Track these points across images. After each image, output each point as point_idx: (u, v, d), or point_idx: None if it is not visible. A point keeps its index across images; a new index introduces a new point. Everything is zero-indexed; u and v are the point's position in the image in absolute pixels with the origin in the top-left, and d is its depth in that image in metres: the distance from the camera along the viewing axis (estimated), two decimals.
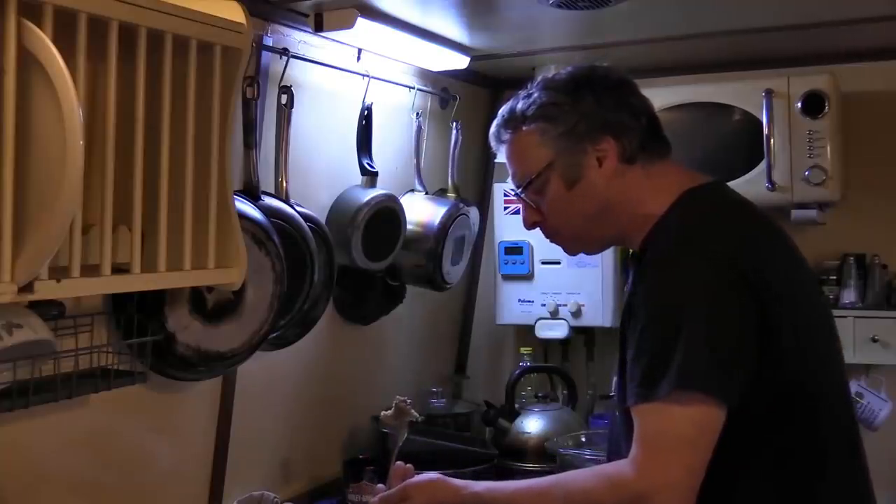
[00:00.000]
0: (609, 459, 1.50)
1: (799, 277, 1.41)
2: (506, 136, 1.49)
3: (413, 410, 1.72)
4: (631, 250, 1.53)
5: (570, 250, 1.57)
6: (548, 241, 1.55)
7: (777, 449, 1.30)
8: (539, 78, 1.48)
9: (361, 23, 1.94)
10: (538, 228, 1.52)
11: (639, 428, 1.26)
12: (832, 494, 1.34)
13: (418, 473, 1.55)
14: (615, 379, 1.52)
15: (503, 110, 1.50)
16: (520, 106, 1.46)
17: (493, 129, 1.51)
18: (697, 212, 1.38)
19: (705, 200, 1.41)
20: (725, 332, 1.26)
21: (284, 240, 1.88)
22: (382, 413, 1.75)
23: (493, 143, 1.53)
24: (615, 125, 1.42)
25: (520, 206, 1.52)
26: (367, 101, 2.24)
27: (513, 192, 1.51)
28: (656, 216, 1.39)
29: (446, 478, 1.48)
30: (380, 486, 1.56)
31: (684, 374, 1.22)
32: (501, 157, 1.53)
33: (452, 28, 2.20)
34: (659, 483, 1.22)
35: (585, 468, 1.54)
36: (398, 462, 1.59)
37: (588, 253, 1.58)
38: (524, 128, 1.45)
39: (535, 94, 1.45)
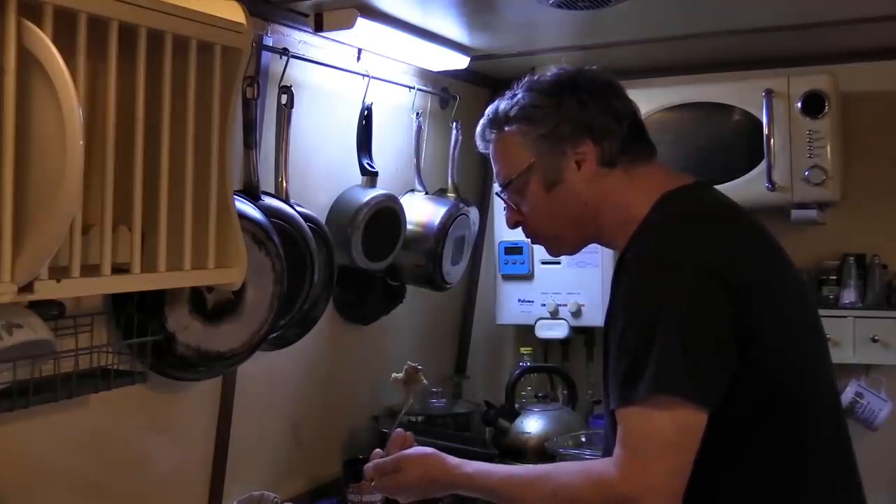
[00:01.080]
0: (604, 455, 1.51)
1: (782, 278, 1.40)
2: (490, 136, 1.50)
3: (424, 379, 1.72)
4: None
5: (551, 251, 1.57)
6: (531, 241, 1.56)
7: (759, 450, 1.30)
8: (525, 79, 1.49)
9: (361, 23, 1.94)
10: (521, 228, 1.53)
11: (621, 430, 1.26)
12: (815, 494, 1.33)
13: (417, 442, 1.56)
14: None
15: (489, 110, 1.51)
16: (503, 106, 1.47)
17: (478, 128, 1.53)
18: (673, 214, 1.38)
19: (682, 202, 1.40)
20: (702, 335, 1.26)
21: (284, 240, 1.88)
22: (393, 375, 1.75)
23: (478, 142, 1.54)
24: (596, 129, 1.42)
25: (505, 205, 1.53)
26: (367, 101, 2.24)
27: (496, 192, 1.51)
28: (637, 219, 1.39)
29: (441, 454, 1.49)
30: (377, 451, 1.56)
31: (659, 378, 1.22)
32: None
33: (452, 28, 2.20)
34: (643, 486, 1.22)
35: (576, 462, 1.54)
36: (398, 429, 1.60)
37: (568, 253, 1.58)
38: (506, 128, 1.46)
39: (519, 95, 1.46)
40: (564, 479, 1.35)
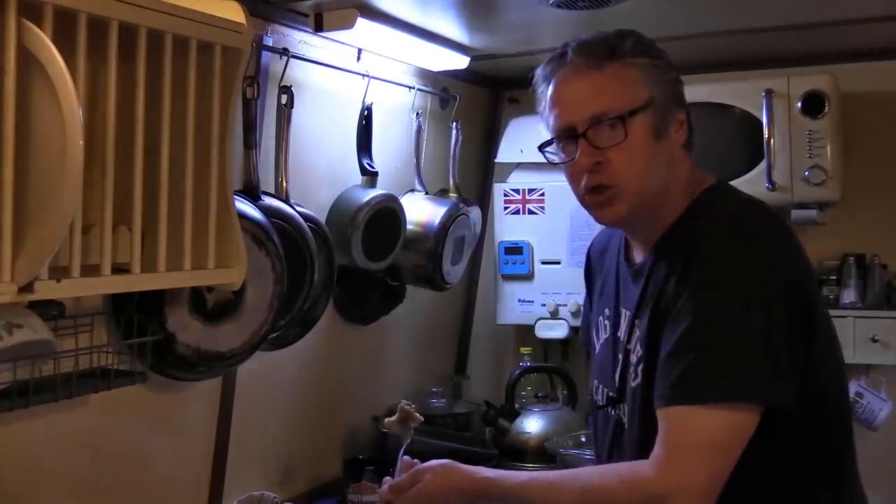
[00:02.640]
0: (598, 463, 1.49)
1: (815, 278, 1.40)
2: (606, 64, 1.34)
3: (417, 414, 1.72)
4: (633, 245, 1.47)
5: (606, 211, 1.37)
6: (583, 200, 1.38)
7: (807, 451, 1.30)
8: (618, 32, 1.37)
9: (361, 23, 1.94)
10: (588, 179, 1.35)
11: (670, 429, 1.24)
12: (853, 492, 1.35)
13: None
14: (597, 386, 1.49)
15: (594, 38, 1.36)
16: (629, 41, 1.35)
17: (578, 56, 1.35)
18: (743, 213, 1.34)
19: (737, 201, 1.37)
20: (782, 343, 1.23)
21: (284, 240, 1.88)
22: (386, 420, 1.74)
23: (579, 68, 1.34)
24: (687, 106, 1.40)
25: (576, 147, 1.34)
26: (367, 101, 2.24)
27: (582, 127, 1.33)
28: (675, 213, 1.36)
29: (457, 463, 1.46)
30: (387, 478, 1.54)
31: (745, 385, 1.21)
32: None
33: (452, 28, 2.20)
34: (679, 486, 1.21)
35: (601, 465, 1.51)
36: (405, 457, 1.57)
37: (617, 220, 1.40)
38: (630, 59, 1.34)
39: (635, 38, 1.37)
40: (592, 480, 1.33)
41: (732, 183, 1.49)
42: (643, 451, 1.28)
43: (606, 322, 1.49)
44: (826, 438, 1.32)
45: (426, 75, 2.50)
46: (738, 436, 1.22)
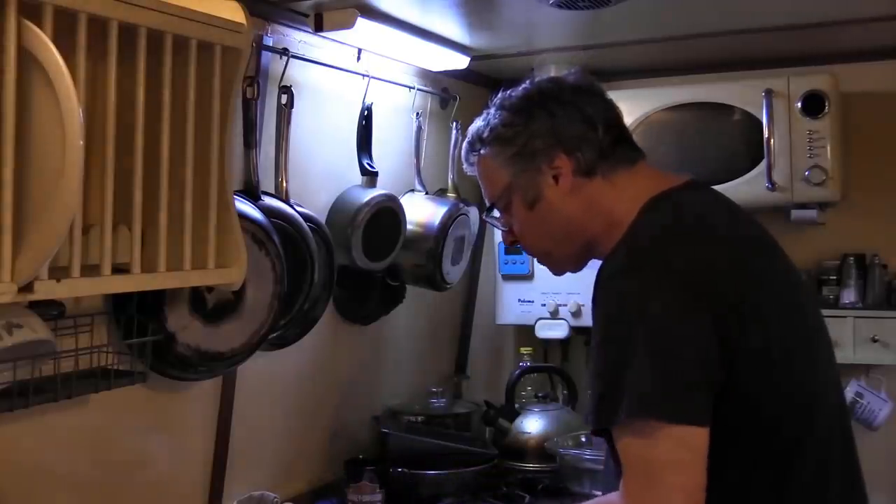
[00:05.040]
0: (605, 475, 1.48)
1: (778, 280, 1.35)
2: (472, 159, 1.48)
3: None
4: None
5: (551, 269, 1.51)
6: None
7: (743, 461, 1.25)
8: (497, 97, 1.47)
9: (361, 23, 1.94)
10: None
11: (619, 455, 1.22)
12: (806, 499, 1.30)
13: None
14: None
15: (468, 132, 1.49)
16: (478, 128, 1.46)
17: (462, 152, 1.51)
18: (654, 223, 1.32)
19: (666, 209, 1.34)
20: (678, 354, 1.20)
21: (284, 240, 1.88)
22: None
23: (465, 167, 1.52)
24: (567, 140, 1.38)
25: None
26: (367, 101, 2.24)
27: (483, 217, 1.50)
28: (624, 225, 1.34)
29: None
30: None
31: (634, 401, 1.18)
32: None
33: (452, 28, 2.20)
34: None
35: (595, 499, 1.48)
36: None
37: (571, 270, 1.51)
38: (482, 151, 1.45)
39: (490, 117, 1.45)
40: None
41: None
42: (615, 468, 1.27)
43: None
44: (769, 446, 1.26)
45: (426, 75, 2.50)
46: (686, 451, 1.18)
